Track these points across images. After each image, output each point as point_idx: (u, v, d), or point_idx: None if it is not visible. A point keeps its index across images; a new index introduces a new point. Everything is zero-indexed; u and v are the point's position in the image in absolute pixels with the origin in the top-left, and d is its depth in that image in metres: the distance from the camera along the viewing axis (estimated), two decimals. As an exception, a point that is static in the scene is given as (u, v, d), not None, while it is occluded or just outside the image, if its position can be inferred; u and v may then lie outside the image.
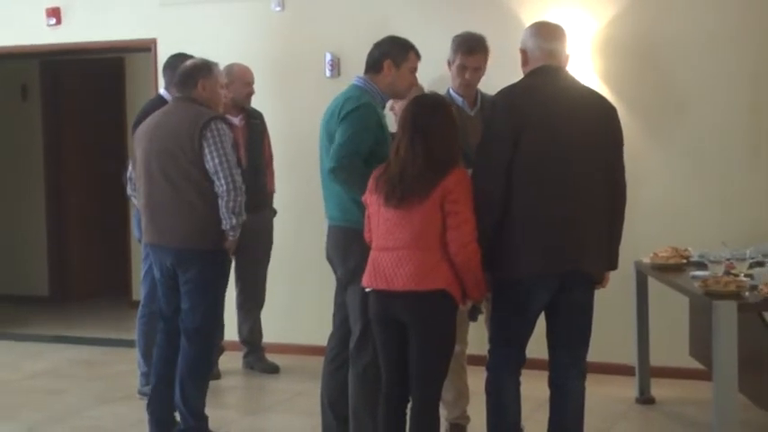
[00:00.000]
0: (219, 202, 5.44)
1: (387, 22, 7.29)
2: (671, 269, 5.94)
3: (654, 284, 6.31)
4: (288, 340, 7.93)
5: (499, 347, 4.63)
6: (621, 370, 6.87)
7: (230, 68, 7.10)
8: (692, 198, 7.02)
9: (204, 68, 5.68)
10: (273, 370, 7.49)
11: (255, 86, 7.27)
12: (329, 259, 5.18)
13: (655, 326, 6.54)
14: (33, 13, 8.76)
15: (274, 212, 7.48)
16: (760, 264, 5.58)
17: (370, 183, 4.58)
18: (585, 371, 4.67)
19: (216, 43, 7.91)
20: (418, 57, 5.17)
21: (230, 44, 7.99)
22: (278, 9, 8.05)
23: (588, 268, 4.50)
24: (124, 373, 7.48)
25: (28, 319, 9.97)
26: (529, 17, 6.63)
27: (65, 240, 11.06)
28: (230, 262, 6.12)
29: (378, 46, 5.17)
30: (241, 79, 7.17)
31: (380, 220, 4.49)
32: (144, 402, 5.85)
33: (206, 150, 5.41)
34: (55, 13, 8.71)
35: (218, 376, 7.18)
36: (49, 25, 8.74)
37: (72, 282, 11.05)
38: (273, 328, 7.73)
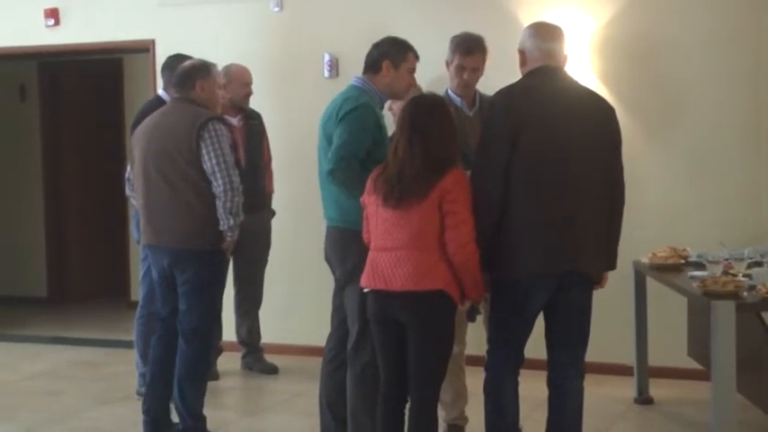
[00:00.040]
0: (217, 202, 5.44)
1: (385, 22, 7.28)
2: (669, 269, 5.94)
3: (652, 284, 6.31)
4: (286, 341, 7.93)
5: (497, 348, 4.63)
6: (620, 370, 6.87)
7: (228, 69, 7.10)
8: (691, 198, 7.02)
9: (202, 69, 5.68)
10: (272, 371, 7.49)
11: (254, 87, 7.27)
12: (327, 260, 5.18)
13: (653, 326, 6.55)
14: (32, 13, 8.76)
15: (273, 213, 7.48)
16: (758, 264, 5.57)
17: (369, 183, 4.58)
18: (584, 371, 4.67)
19: (214, 44, 7.91)
20: (417, 57, 5.18)
21: (229, 45, 7.99)
22: (276, 9, 8.05)
23: (586, 268, 4.50)
24: (123, 373, 7.48)
25: (26, 320, 9.97)
26: (527, 17, 6.63)
27: (63, 241, 11.06)
28: (228, 263, 6.13)
29: (376, 46, 5.17)
30: (239, 80, 7.17)
31: (379, 220, 4.49)
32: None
33: (203, 151, 5.42)
34: (53, 14, 8.71)
35: (216, 377, 7.19)
36: (48, 26, 8.74)
37: (71, 283, 11.05)
38: (272, 328, 7.73)
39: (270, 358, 7.57)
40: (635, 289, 6.45)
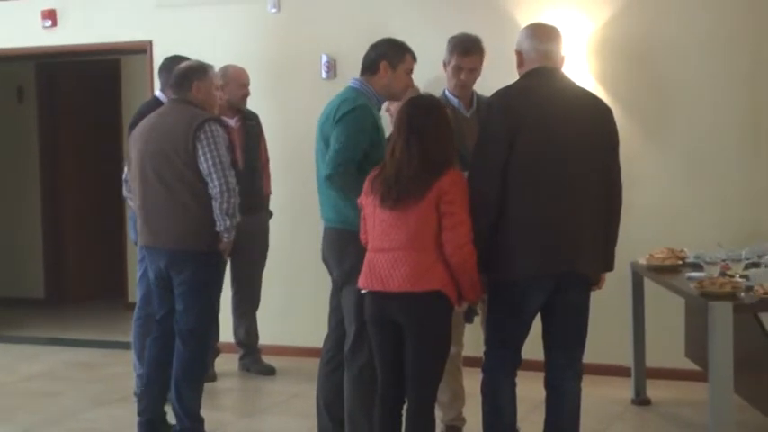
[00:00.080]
0: (213, 203, 5.44)
1: (383, 23, 7.28)
2: (667, 270, 5.94)
3: (650, 285, 6.32)
4: (284, 342, 7.93)
5: (495, 349, 4.63)
6: (617, 371, 6.87)
7: (225, 70, 7.10)
8: (688, 199, 7.02)
9: (199, 70, 5.68)
10: (269, 372, 7.48)
11: (251, 88, 7.27)
12: (325, 261, 5.18)
13: (650, 327, 6.55)
14: (29, 15, 8.75)
15: (270, 214, 7.48)
16: (755, 265, 5.58)
17: (366, 184, 4.58)
18: (581, 372, 4.67)
19: (212, 45, 7.91)
20: (414, 59, 5.18)
21: (226, 46, 7.99)
22: (274, 11, 8.05)
23: (583, 269, 4.50)
24: (120, 375, 7.48)
25: (24, 321, 9.96)
26: (524, 19, 6.63)
27: (61, 242, 11.05)
28: (224, 264, 6.12)
29: (374, 47, 5.17)
30: (236, 81, 7.17)
31: (376, 221, 4.49)
32: (139, 404, 5.87)
33: (200, 152, 5.42)
34: (51, 15, 8.71)
35: (213, 378, 7.18)
36: (45, 27, 8.73)
37: (68, 284, 11.03)
38: (269, 329, 7.73)
39: (267, 359, 7.58)
40: (632, 290, 6.46)
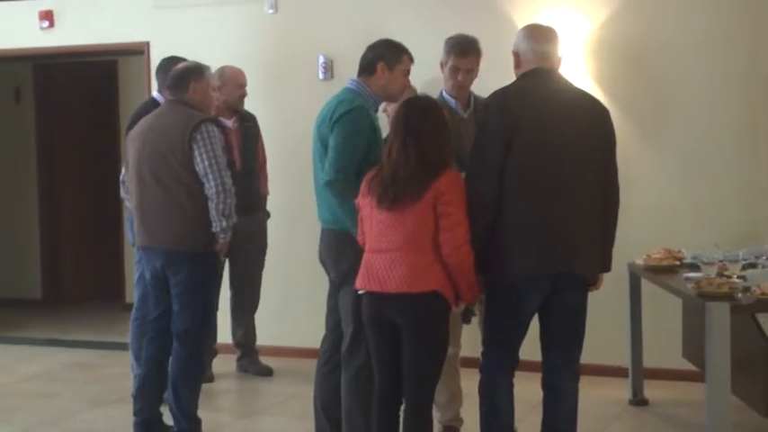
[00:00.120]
0: (209, 204, 5.44)
1: (380, 24, 7.29)
2: (664, 271, 5.95)
3: (647, 286, 6.32)
4: (281, 343, 7.92)
5: (492, 350, 4.63)
6: (614, 371, 6.88)
7: (222, 71, 7.10)
8: (685, 200, 7.02)
9: (196, 71, 5.69)
10: (267, 373, 7.48)
11: (249, 89, 7.27)
12: (322, 262, 5.18)
13: (648, 327, 6.55)
14: (26, 15, 8.75)
15: (268, 215, 7.47)
16: (753, 265, 5.58)
17: (363, 185, 4.58)
18: (579, 372, 4.67)
19: (209, 46, 7.90)
20: (411, 60, 5.17)
21: (223, 47, 7.98)
22: (271, 12, 8.05)
23: (581, 270, 4.50)
24: (118, 376, 7.48)
25: (21, 322, 9.96)
26: (522, 19, 6.64)
27: (58, 243, 11.04)
28: (221, 264, 6.12)
29: (371, 48, 5.17)
30: (233, 81, 7.16)
31: (373, 222, 4.49)
32: (137, 405, 5.87)
33: (196, 152, 5.42)
34: (48, 17, 8.70)
35: (211, 379, 7.18)
36: (42, 28, 8.73)
37: (65, 285, 11.02)
38: (267, 330, 7.73)
39: (265, 360, 7.57)
40: (630, 291, 6.46)
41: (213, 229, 5.48)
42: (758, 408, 5.56)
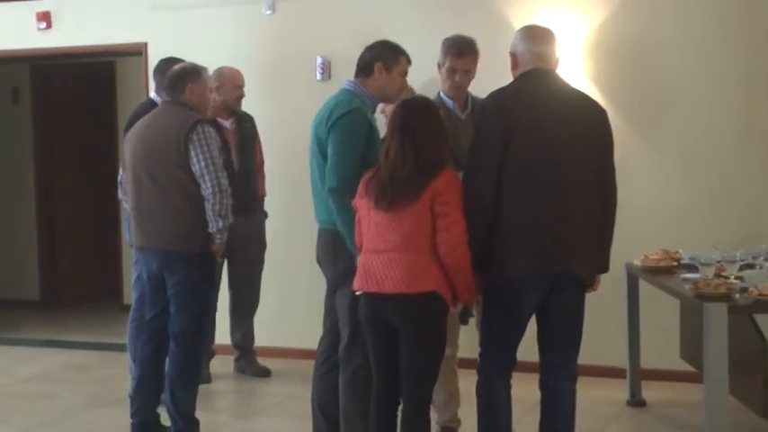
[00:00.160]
0: (206, 204, 5.44)
1: (378, 25, 7.30)
2: (662, 271, 5.95)
3: (645, 287, 6.32)
4: (279, 344, 7.92)
5: (490, 350, 4.63)
6: (612, 372, 6.87)
7: (220, 71, 7.10)
8: (683, 200, 7.02)
9: (192, 72, 5.69)
10: (265, 373, 7.48)
11: (246, 90, 7.26)
12: (319, 262, 5.18)
13: (645, 328, 6.55)
14: (24, 16, 8.75)
15: (266, 215, 7.47)
16: (750, 266, 5.57)
17: (360, 186, 4.58)
18: (576, 373, 4.68)
19: (207, 47, 7.90)
20: (409, 61, 5.17)
21: (221, 47, 7.98)
22: (269, 12, 8.05)
23: (578, 270, 4.50)
24: (116, 376, 7.48)
25: (19, 323, 9.96)
26: (519, 20, 6.64)
27: (56, 244, 11.03)
28: (219, 265, 6.12)
29: (369, 49, 5.17)
30: (231, 82, 7.16)
31: (370, 223, 4.49)
32: (134, 406, 5.87)
33: (192, 153, 5.42)
34: (45, 17, 8.70)
35: (209, 380, 7.18)
36: (40, 29, 8.73)
37: (63, 286, 11.01)
38: (265, 331, 7.73)
39: (262, 361, 7.57)
40: (627, 291, 6.46)
41: (209, 230, 5.48)
42: (756, 408, 5.56)
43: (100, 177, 10.20)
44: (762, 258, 5.68)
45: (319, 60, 7.84)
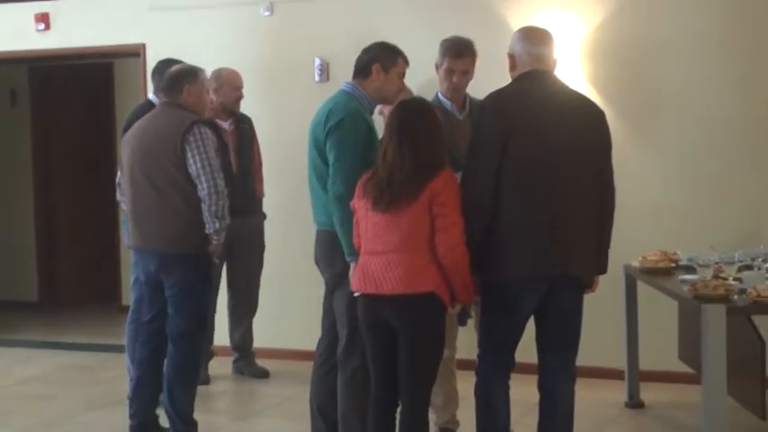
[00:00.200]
0: (202, 206, 5.44)
1: (376, 27, 7.30)
2: (660, 273, 5.94)
3: (643, 288, 6.31)
4: (277, 345, 7.92)
5: (488, 352, 4.63)
6: (611, 374, 6.86)
7: (219, 73, 7.11)
8: (681, 202, 7.03)
9: (190, 74, 5.69)
10: (263, 375, 7.48)
11: (245, 91, 7.27)
12: (317, 263, 5.18)
13: (644, 330, 6.55)
14: (22, 18, 8.75)
15: (264, 216, 7.47)
16: (748, 267, 5.57)
17: (358, 188, 4.58)
18: (575, 375, 4.68)
19: (205, 48, 7.90)
20: (407, 63, 5.18)
21: (219, 49, 7.98)
22: (267, 14, 8.05)
23: (576, 272, 4.51)
24: (114, 378, 7.47)
25: (18, 324, 9.94)
26: (517, 22, 6.64)
27: (54, 245, 11.02)
28: (218, 266, 6.11)
29: (367, 51, 5.17)
30: (230, 83, 7.16)
31: (369, 224, 4.49)
32: (133, 408, 5.87)
33: (188, 154, 5.42)
34: (44, 19, 8.70)
35: (207, 381, 7.18)
36: (38, 30, 8.73)
37: (61, 287, 11.00)
38: (263, 333, 7.71)
39: (261, 362, 7.57)
40: (626, 293, 6.46)
41: (206, 231, 5.47)
42: (754, 409, 5.57)
43: (98, 179, 10.20)
44: (760, 260, 5.69)
45: (317, 62, 7.84)
